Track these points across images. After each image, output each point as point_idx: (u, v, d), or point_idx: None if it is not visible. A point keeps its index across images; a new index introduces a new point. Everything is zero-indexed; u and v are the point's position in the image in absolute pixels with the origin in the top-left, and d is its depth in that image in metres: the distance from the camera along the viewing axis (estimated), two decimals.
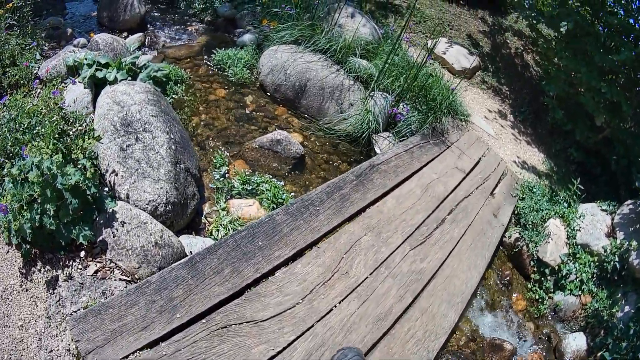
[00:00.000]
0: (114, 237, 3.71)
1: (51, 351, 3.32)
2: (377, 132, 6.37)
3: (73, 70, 5.88)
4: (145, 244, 3.72)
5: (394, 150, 6.07)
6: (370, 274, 4.50)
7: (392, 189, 5.63)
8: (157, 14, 8.46)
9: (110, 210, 3.80)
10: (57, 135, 4.13)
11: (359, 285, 4.35)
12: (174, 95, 6.34)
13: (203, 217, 4.76)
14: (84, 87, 5.64)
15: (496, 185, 6.72)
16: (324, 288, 4.15)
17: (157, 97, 5.30)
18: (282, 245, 4.28)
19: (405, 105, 6.62)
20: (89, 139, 4.07)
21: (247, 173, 5.39)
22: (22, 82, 5.94)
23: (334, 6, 7.19)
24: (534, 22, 8.84)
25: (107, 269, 3.66)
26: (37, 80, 5.89)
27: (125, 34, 7.75)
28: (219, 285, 3.69)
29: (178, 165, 4.53)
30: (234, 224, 4.62)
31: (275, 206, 4.95)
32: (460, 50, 8.82)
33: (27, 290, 3.63)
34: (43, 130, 4.18)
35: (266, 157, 5.76)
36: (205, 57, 7.18)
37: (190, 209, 4.51)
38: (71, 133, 4.23)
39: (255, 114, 6.40)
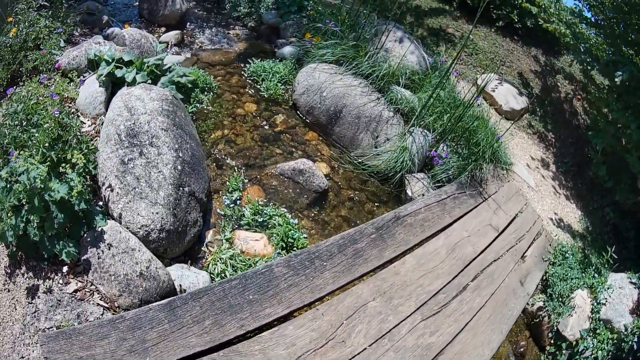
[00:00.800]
0: (98, 258, 3.28)
1: (22, 357, 3.05)
2: (411, 172, 5.38)
3: (94, 64, 5.09)
4: (130, 272, 3.25)
5: (425, 200, 5.07)
6: (369, 345, 3.67)
7: (414, 247, 4.67)
8: (200, 12, 7.59)
9: (99, 229, 3.37)
10: (47, 145, 3.61)
11: (354, 357, 3.55)
12: (197, 104, 5.47)
13: (204, 246, 4.07)
14: (99, 86, 4.87)
15: (529, 247, 5.64)
16: (314, 356, 3.38)
17: (174, 107, 4.54)
18: (276, 302, 3.53)
19: (445, 147, 5.64)
20: (78, 153, 3.59)
21: (260, 202, 4.56)
22: (41, 68, 5.17)
23: (382, 28, 6.21)
24: (588, 67, 7.81)
25: (87, 290, 3.28)
26: (56, 69, 5.15)
27: (162, 29, 6.92)
28: (196, 336, 3.10)
29: (181, 188, 3.89)
30: (235, 260, 3.93)
31: (284, 245, 4.20)
32: (510, 90, 7.76)
33: (9, 290, 3.34)
34: (37, 134, 3.66)
35: (286, 187, 4.90)
36: (241, 65, 6.29)
37: (190, 236, 3.87)
38: (68, 140, 3.77)
39: (283, 136, 5.49)
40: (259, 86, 5.99)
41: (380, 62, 5.95)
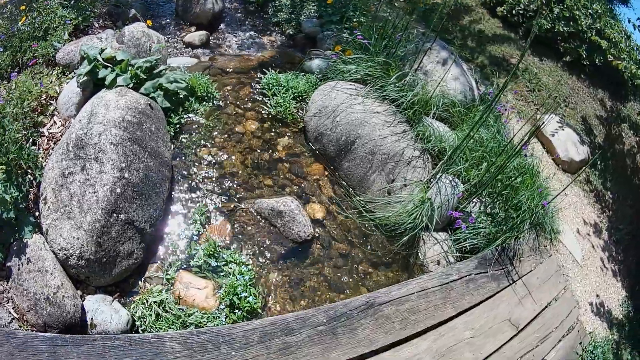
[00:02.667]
0: (18, 269, 2.65)
1: None
2: (429, 230, 3.64)
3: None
4: (39, 293, 2.58)
5: (422, 281, 3.25)
6: None
7: (380, 351, 2.87)
8: (239, 15, 6.11)
9: (25, 240, 2.73)
10: None
11: None
12: (188, 115, 4.04)
13: (142, 280, 3.00)
14: (77, 86, 3.66)
15: (552, 349, 3.63)
16: None
17: (143, 118, 3.39)
18: None
19: (477, 205, 3.84)
20: None
21: (221, 243, 3.27)
22: (39, 61, 4.06)
23: (425, 46, 4.47)
24: None
25: (4, 295, 2.67)
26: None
27: (193, 28, 5.54)
28: None
29: (115, 215, 2.88)
30: (166, 307, 2.82)
31: (232, 302, 2.93)
32: (570, 136, 5.70)
33: None
34: None
35: (259, 229, 3.43)
36: (258, 75, 4.71)
37: (120, 268, 2.89)
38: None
39: (281, 165, 3.93)
40: (268, 101, 4.42)
41: (415, 85, 4.23)
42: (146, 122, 3.38)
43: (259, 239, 3.38)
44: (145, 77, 3.76)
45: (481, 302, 3.37)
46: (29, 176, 3.08)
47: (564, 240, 4.53)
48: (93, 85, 3.72)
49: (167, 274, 3.01)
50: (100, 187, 2.85)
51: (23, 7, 4.37)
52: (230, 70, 4.72)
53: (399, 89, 4.12)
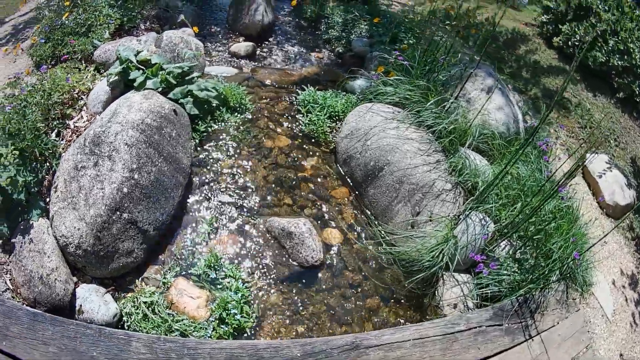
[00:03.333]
0: (20, 247, 2.63)
1: None
2: (449, 269, 3.14)
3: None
4: (34, 271, 2.54)
5: (421, 329, 2.64)
6: None
7: None
8: (290, 29, 5.82)
9: (31, 222, 2.71)
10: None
11: None
12: (216, 124, 3.74)
13: (139, 279, 2.84)
14: (107, 84, 3.46)
15: None
16: None
17: (163, 122, 3.19)
18: None
19: (505, 247, 3.29)
20: (10, 148, 2.78)
21: (223, 257, 2.97)
22: (75, 56, 3.96)
23: (469, 70, 3.97)
24: None
25: (4, 267, 2.66)
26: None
27: (241, 39, 5.31)
28: (40, 354, 2.18)
29: (117, 213, 2.75)
30: (155, 309, 2.65)
31: (221, 317, 2.67)
32: (618, 178, 4.96)
33: None
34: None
35: (267, 247, 3.09)
36: (297, 91, 4.36)
37: (118, 264, 2.77)
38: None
39: (304, 185, 3.53)
40: (302, 118, 4.05)
41: (454, 113, 3.77)
42: (167, 127, 3.15)
43: (264, 257, 3.02)
44: (175, 82, 3.50)
45: (487, 357, 2.75)
46: (47, 164, 3.04)
47: (596, 292, 3.88)
48: (124, 86, 3.51)
49: (164, 278, 2.82)
50: (108, 184, 2.74)
51: (67, 3, 4.27)
52: (270, 83, 4.39)
53: (436, 116, 3.65)
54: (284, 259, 3.04)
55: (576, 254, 2.98)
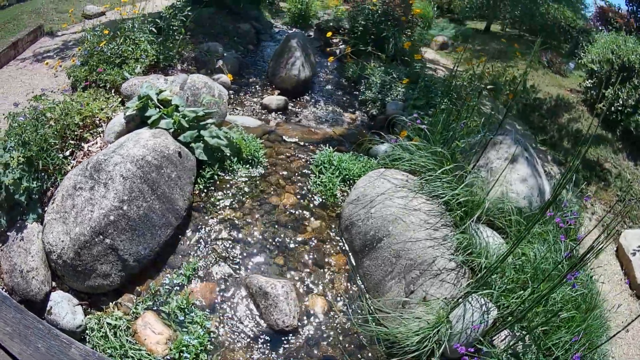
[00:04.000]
0: (12, 241, 2.95)
1: None
2: (438, 355, 2.82)
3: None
4: (17, 264, 2.84)
5: None
6: None
7: None
8: (329, 87, 6.03)
9: (26, 222, 3.03)
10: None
11: None
12: (225, 173, 3.84)
13: (112, 302, 2.96)
14: (123, 117, 3.72)
15: None
16: None
17: (165, 163, 3.37)
18: None
19: (507, 337, 2.94)
20: (16, 158, 3.05)
21: (196, 303, 2.99)
22: (106, 85, 4.32)
23: (498, 138, 3.82)
24: None
25: None
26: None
27: (277, 92, 5.46)
28: None
29: (100, 236, 2.94)
30: (116, 333, 2.75)
31: (176, 358, 2.67)
32: None
33: None
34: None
35: (241, 303, 3.06)
36: (316, 150, 4.40)
37: (94, 283, 2.94)
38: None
39: (302, 248, 3.49)
40: (314, 178, 4.05)
41: (471, 184, 3.55)
42: (167, 167, 3.34)
43: (236, 312, 3.00)
44: (187, 125, 3.64)
45: None
46: (53, 177, 3.34)
47: None
48: (140, 121, 3.76)
49: (135, 307, 2.93)
50: (98, 209, 2.98)
51: (106, 32, 4.67)
52: (291, 140, 4.53)
53: (448, 186, 3.48)
54: (255, 318, 3.01)
55: (577, 356, 2.59)
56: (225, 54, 5.54)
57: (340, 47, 6.71)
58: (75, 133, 3.66)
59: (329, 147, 4.31)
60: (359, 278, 3.40)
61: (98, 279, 2.93)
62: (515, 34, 9.85)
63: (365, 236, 3.40)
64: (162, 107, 3.69)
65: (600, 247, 2.78)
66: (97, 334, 2.74)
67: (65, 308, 2.79)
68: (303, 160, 4.25)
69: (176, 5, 5.63)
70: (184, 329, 2.82)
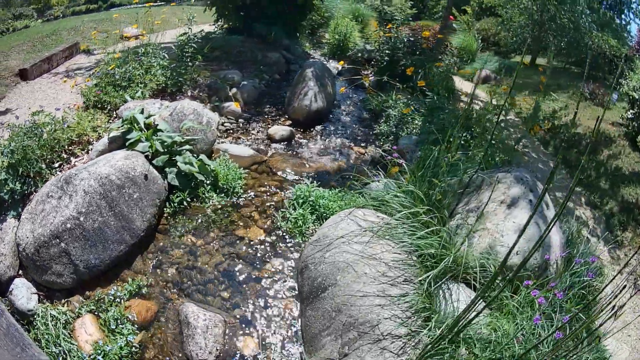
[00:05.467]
0: None
1: None
2: None
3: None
4: None
5: None
6: None
7: None
8: (347, 119, 5.98)
9: (7, 217, 3.50)
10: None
11: None
12: (194, 200, 3.89)
13: (64, 299, 3.26)
14: (107, 139, 3.99)
15: None
16: None
17: (128, 184, 3.58)
18: None
19: None
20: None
21: (130, 317, 3.09)
22: (107, 106, 4.71)
23: (494, 176, 3.51)
24: None
25: None
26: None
27: (288, 122, 5.49)
28: None
29: (57, 240, 3.32)
30: (56, 324, 3.05)
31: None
32: None
33: None
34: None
35: (169, 328, 3.08)
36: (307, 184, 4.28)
37: (49, 279, 3.31)
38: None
39: (254, 286, 3.39)
40: (287, 213, 3.95)
41: (453, 231, 3.29)
42: (129, 188, 3.56)
43: (164, 335, 3.02)
44: (162, 150, 3.78)
45: None
46: (38, 183, 3.83)
47: None
48: (122, 143, 3.93)
49: (79, 308, 3.19)
50: (60, 216, 3.37)
51: (117, 55, 5.07)
52: (279, 172, 4.48)
53: (412, 233, 3.24)
54: (176, 344, 2.98)
55: None
56: (244, 82, 5.68)
57: (371, 78, 6.67)
58: (67, 148, 4.01)
59: (312, 182, 4.21)
60: (299, 327, 3.21)
61: (52, 276, 3.31)
62: (561, 66, 9.52)
63: (313, 282, 3.20)
64: (146, 130, 3.85)
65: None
66: (41, 320, 3.09)
67: (23, 293, 3.22)
68: (284, 194, 4.19)
69: (210, 32, 5.87)
70: (112, 337, 2.96)
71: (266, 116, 5.63)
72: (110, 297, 3.23)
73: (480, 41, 9.63)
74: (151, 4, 6.63)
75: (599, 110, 7.09)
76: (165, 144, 3.75)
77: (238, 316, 3.18)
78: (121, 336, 2.98)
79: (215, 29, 6.52)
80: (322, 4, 9.27)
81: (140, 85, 4.77)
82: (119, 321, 3.06)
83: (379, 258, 3.11)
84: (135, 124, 3.87)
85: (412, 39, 6.23)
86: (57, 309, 3.18)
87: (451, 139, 4.25)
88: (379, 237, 3.26)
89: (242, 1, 6.66)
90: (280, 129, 5.16)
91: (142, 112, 3.95)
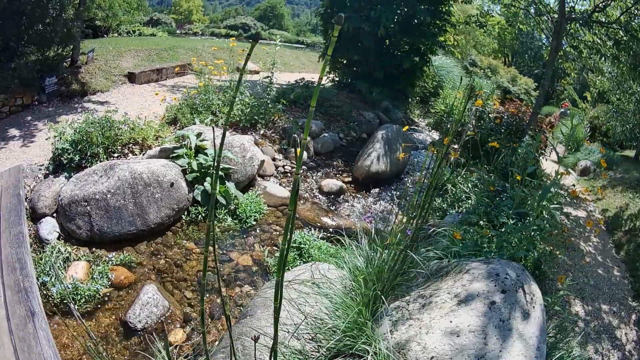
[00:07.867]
0: (48, 180, 4.64)
1: None
2: None
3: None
4: (41, 192, 4.42)
5: None
6: None
7: None
8: (410, 188, 6.03)
9: (62, 176, 4.68)
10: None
11: None
12: (206, 217, 4.56)
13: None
14: (159, 148, 5.00)
15: None
16: None
17: (154, 185, 4.42)
18: None
19: None
20: None
21: (109, 277, 3.78)
22: (177, 122, 5.85)
23: (465, 264, 2.92)
24: None
25: None
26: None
27: (349, 179, 6.03)
28: None
29: (85, 203, 4.30)
30: (58, 256, 3.96)
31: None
32: None
33: None
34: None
35: (138, 299, 3.65)
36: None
37: (70, 227, 4.28)
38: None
39: (213, 299, 3.87)
40: (277, 252, 4.39)
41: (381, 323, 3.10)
42: (154, 188, 4.42)
43: (121, 297, 3.75)
44: (196, 169, 4.57)
45: None
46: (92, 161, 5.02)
47: None
48: (170, 154, 4.84)
49: (81, 256, 4.08)
50: (94, 188, 4.38)
51: (201, 84, 6.03)
52: (302, 220, 4.94)
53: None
54: (125, 308, 3.61)
55: None
56: (325, 135, 6.29)
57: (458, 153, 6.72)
58: (129, 145, 5.12)
59: (316, 232, 4.57)
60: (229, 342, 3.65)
61: (74, 227, 4.29)
62: None
63: (247, 310, 3.55)
64: (193, 150, 4.75)
65: None
66: (51, 249, 4.04)
67: (49, 227, 4.26)
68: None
69: (310, 81, 6.58)
70: (90, 282, 3.75)
71: (332, 169, 6.12)
72: (106, 258, 4.08)
73: (588, 129, 9.15)
74: (282, 43, 7.49)
75: None
76: (202, 165, 4.59)
77: (185, 312, 3.66)
78: (95, 284, 3.75)
79: (327, 81, 7.21)
80: (429, 71, 9.35)
81: (214, 114, 5.77)
82: (101, 274, 3.86)
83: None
84: (187, 143, 4.80)
85: (510, 118, 6.13)
86: (66, 248, 4.13)
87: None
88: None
89: (352, 57, 7.21)
90: (331, 182, 5.59)
91: (198, 135, 4.88)
